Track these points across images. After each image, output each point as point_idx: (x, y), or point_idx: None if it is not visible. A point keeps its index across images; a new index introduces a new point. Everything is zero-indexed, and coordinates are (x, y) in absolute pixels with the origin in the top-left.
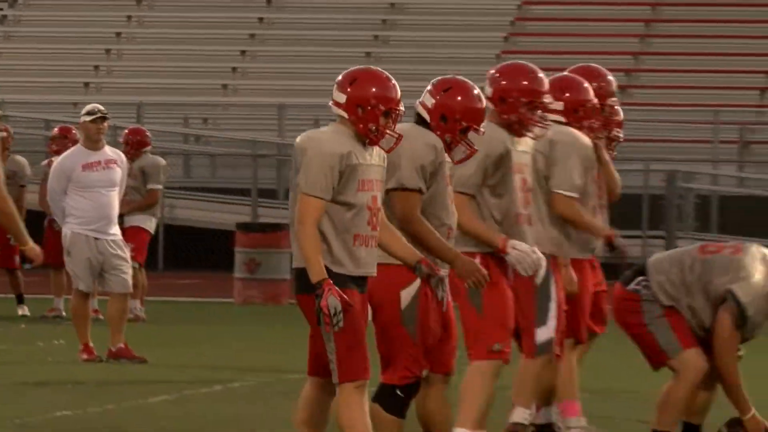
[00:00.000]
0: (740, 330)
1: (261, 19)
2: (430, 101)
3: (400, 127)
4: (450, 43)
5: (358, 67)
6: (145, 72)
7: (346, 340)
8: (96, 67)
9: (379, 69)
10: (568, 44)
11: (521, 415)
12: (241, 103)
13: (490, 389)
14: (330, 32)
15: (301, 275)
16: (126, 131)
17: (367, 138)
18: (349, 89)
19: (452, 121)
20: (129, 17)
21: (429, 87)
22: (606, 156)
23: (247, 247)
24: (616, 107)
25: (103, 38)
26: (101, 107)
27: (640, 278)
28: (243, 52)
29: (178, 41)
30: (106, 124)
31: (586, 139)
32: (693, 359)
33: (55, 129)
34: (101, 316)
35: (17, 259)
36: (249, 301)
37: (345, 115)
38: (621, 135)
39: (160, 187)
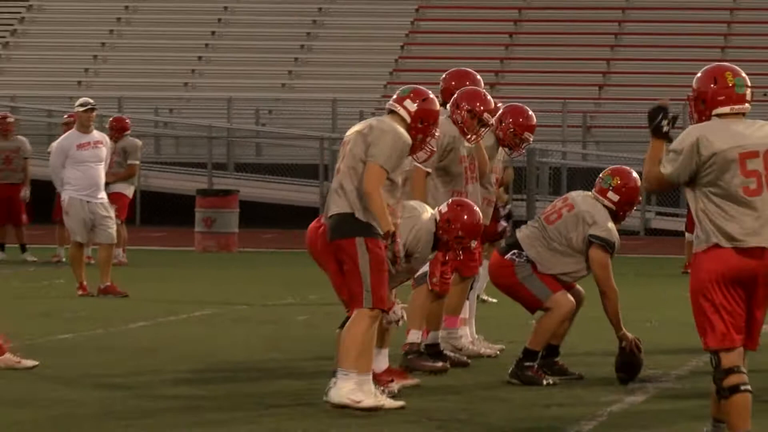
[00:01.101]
0: (611, 256)
1: (213, 33)
2: (412, 106)
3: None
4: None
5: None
6: (124, 73)
7: (380, 278)
8: (86, 69)
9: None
10: (452, 52)
11: (414, 336)
12: (199, 97)
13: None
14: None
15: (343, 222)
16: (111, 119)
17: (412, 143)
18: (420, 104)
19: (428, 125)
20: (111, 31)
21: (408, 93)
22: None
23: (204, 208)
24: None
25: (91, 47)
26: (91, 100)
27: (514, 251)
28: (199, 58)
29: (150, 49)
30: (94, 113)
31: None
32: (563, 299)
33: (66, 116)
34: (93, 261)
35: (24, 216)
36: (207, 249)
37: (407, 119)
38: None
39: (137, 162)
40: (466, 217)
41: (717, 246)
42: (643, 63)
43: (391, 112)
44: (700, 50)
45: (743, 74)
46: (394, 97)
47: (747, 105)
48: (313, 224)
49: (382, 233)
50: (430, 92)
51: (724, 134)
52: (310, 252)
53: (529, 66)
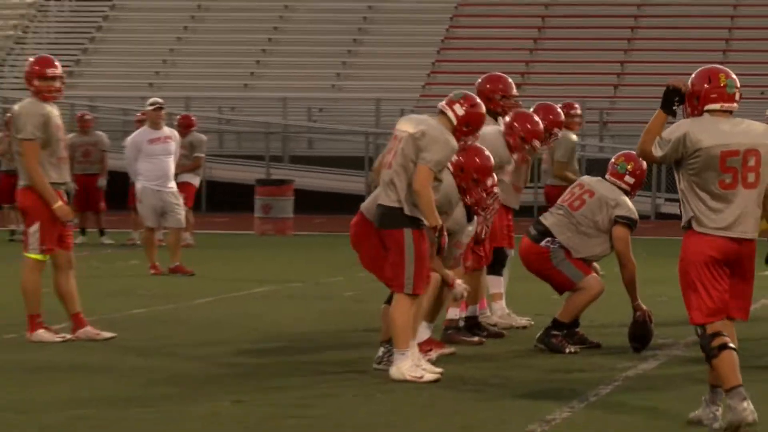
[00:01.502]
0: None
1: (270, 39)
2: (460, 110)
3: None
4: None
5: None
6: (191, 75)
7: (421, 267)
8: (157, 72)
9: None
10: (483, 56)
11: (452, 313)
12: (257, 97)
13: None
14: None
15: (392, 215)
16: (179, 117)
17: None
18: (468, 109)
19: (472, 129)
20: (178, 38)
21: (459, 98)
22: None
23: (263, 196)
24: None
25: (161, 52)
26: (160, 100)
27: (547, 238)
28: (257, 62)
29: (213, 54)
30: (163, 112)
31: None
32: (594, 281)
33: (138, 114)
34: (163, 244)
35: (102, 204)
36: (265, 233)
37: (454, 122)
38: None
39: (202, 155)
40: (476, 159)
41: (702, 233)
42: (653, 65)
43: (441, 113)
44: (702, 54)
45: (734, 77)
46: (446, 99)
47: (735, 104)
48: (354, 220)
49: (429, 227)
50: (477, 98)
51: (711, 132)
52: (351, 243)
53: (551, 69)
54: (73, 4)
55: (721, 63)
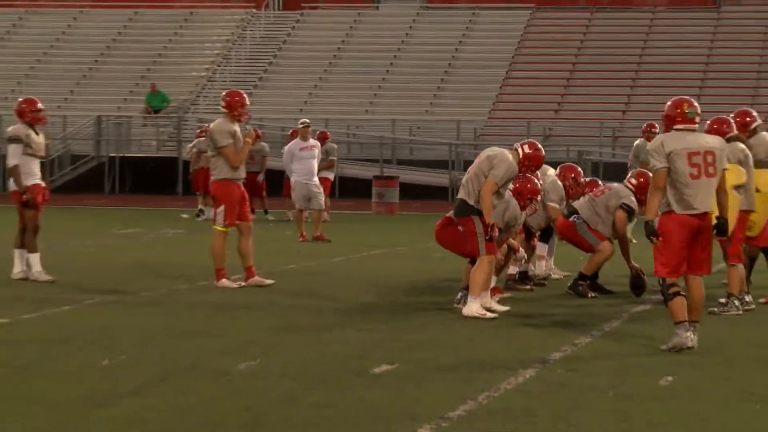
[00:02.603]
0: (629, 218)
1: (383, 79)
2: (527, 150)
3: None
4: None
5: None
6: (329, 102)
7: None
8: (305, 102)
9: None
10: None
11: (511, 270)
12: (374, 118)
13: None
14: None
15: (464, 207)
16: (318, 131)
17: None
18: (533, 152)
19: (531, 166)
20: (320, 78)
21: (528, 142)
22: None
23: (378, 187)
24: None
25: (307, 87)
26: (307, 120)
27: (574, 215)
28: (375, 95)
29: (348, 88)
30: (309, 128)
31: None
32: (607, 245)
33: (291, 131)
34: (309, 220)
35: (264, 192)
36: (379, 213)
37: (520, 156)
38: None
39: (335, 158)
40: (528, 185)
41: (674, 211)
42: (653, 96)
43: (514, 149)
44: (681, 89)
45: (696, 105)
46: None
47: (695, 125)
48: (438, 222)
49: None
50: (539, 145)
51: (678, 141)
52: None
53: (585, 98)
54: (248, 53)
55: (697, 95)
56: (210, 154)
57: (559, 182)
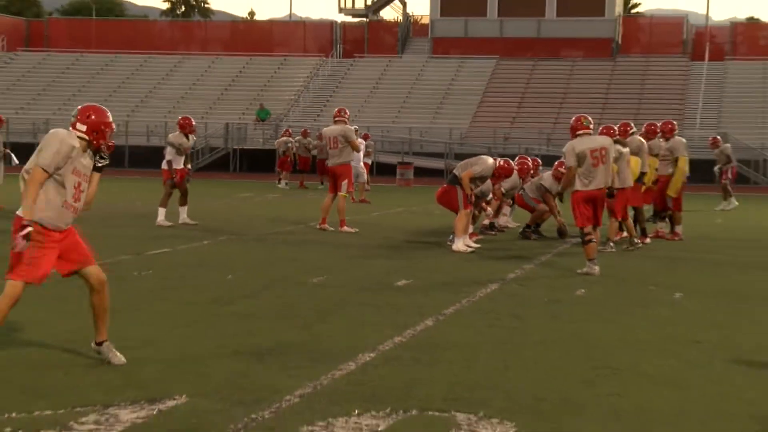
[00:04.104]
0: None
1: (442, 101)
2: (497, 163)
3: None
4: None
5: None
6: (408, 116)
7: (466, 199)
8: (356, 116)
9: None
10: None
11: (485, 221)
12: (436, 130)
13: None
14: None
15: (454, 180)
16: (363, 134)
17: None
18: (502, 164)
19: (503, 173)
20: (403, 101)
21: (501, 160)
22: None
23: (400, 169)
24: None
25: (395, 106)
26: (356, 126)
27: (521, 189)
28: (436, 112)
29: (419, 107)
30: (357, 131)
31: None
32: (542, 207)
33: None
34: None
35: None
36: (401, 186)
37: (496, 165)
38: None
39: (372, 150)
40: (500, 170)
41: (581, 189)
42: (574, 113)
43: (495, 160)
44: (588, 110)
45: (590, 118)
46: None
47: (591, 131)
48: (438, 191)
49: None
50: (512, 162)
51: (582, 143)
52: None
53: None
54: (320, 85)
55: (599, 114)
56: (341, 146)
57: (517, 177)
